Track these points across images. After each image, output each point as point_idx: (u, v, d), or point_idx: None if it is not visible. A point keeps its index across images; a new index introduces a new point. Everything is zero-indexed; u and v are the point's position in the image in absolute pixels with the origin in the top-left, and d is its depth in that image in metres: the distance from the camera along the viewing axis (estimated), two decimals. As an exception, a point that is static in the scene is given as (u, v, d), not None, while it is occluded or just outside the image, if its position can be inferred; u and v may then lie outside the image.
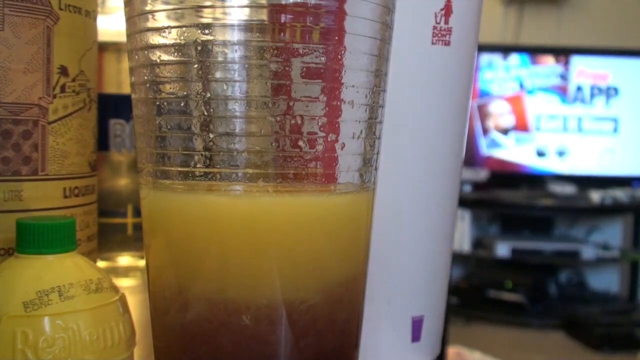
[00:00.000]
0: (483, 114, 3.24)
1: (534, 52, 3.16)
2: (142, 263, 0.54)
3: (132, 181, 0.53)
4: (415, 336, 0.38)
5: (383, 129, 0.30)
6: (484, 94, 3.20)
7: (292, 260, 0.26)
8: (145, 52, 0.27)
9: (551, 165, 3.22)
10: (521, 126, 3.23)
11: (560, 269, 3.10)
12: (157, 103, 0.27)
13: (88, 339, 0.27)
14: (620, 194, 2.96)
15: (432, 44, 0.35)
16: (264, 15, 0.26)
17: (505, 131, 3.25)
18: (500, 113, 3.25)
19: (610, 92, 3.20)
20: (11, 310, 0.26)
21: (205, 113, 0.26)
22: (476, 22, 0.38)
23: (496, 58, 3.14)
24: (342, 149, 0.27)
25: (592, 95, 3.22)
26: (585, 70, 3.19)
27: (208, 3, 0.26)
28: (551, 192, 3.14)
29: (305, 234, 0.26)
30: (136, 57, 0.28)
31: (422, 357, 0.39)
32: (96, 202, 0.39)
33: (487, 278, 3.01)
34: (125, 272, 0.54)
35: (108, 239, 0.52)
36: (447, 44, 0.36)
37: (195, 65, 0.26)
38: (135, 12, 0.27)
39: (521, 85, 3.19)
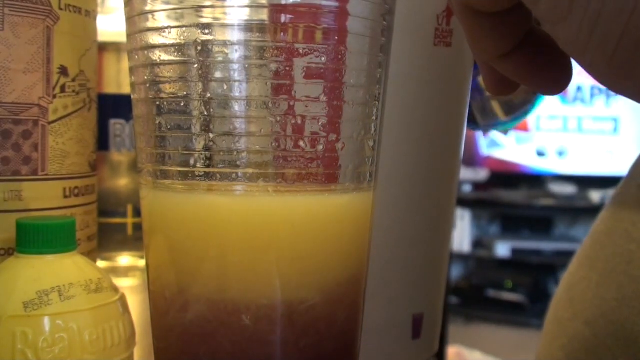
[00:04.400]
0: (483, 113, 3.24)
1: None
2: (142, 263, 0.54)
3: (132, 181, 0.53)
4: (416, 333, 0.38)
5: (383, 128, 0.30)
6: (484, 94, 3.20)
7: (292, 260, 0.26)
8: (145, 52, 0.27)
9: (551, 165, 3.22)
10: (521, 126, 3.24)
11: (560, 269, 3.11)
12: (157, 103, 0.27)
13: (88, 339, 0.27)
14: (620, 194, 2.95)
15: (434, 45, 0.36)
16: (264, 15, 0.26)
17: (505, 131, 3.25)
18: (500, 113, 3.25)
19: (610, 92, 3.20)
20: (11, 310, 0.26)
21: (205, 113, 0.26)
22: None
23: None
24: (342, 149, 0.27)
25: (592, 95, 3.22)
26: (585, 70, 3.19)
27: (208, 3, 0.26)
28: (551, 192, 3.15)
29: (306, 234, 0.26)
30: (136, 57, 0.28)
31: (422, 354, 0.39)
32: (96, 202, 0.39)
33: (487, 278, 3.01)
34: (125, 272, 0.54)
35: (108, 239, 0.52)
36: (449, 45, 0.36)
37: (195, 65, 0.26)
38: (135, 12, 0.27)
39: (521, 85, 3.19)
